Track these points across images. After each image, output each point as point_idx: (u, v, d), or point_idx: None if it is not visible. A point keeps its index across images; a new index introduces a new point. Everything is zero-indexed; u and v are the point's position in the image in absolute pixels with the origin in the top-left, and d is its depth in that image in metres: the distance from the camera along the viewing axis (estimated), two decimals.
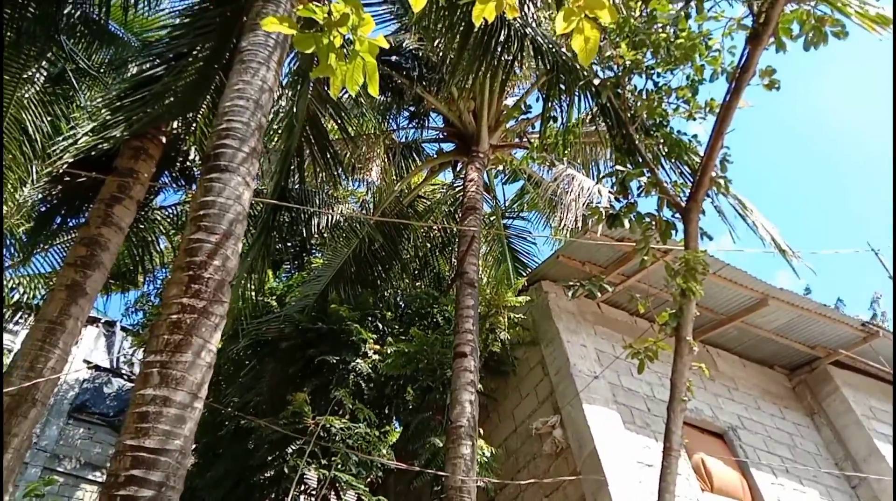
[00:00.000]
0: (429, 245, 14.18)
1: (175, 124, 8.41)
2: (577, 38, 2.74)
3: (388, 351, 9.84)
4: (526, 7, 7.98)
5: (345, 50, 3.02)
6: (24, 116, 7.71)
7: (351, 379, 9.50)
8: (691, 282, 5.58)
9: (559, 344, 9.04)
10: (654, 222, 6.15)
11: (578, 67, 7.30)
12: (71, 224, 8.64)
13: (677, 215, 6.15)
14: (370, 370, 9.69)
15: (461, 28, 7.62)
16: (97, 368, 14.38)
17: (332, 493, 9.02)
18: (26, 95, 7.77)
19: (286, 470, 8.18)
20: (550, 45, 7.62)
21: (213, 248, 3.82)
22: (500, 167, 13.96)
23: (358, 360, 9.73)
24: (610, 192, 10.19)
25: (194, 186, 9.33)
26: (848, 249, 9.40)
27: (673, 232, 6.17)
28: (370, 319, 11.34)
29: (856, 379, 10.91)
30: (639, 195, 6.12)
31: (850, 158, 32.01)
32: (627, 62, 6.55)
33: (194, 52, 7.94)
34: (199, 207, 3.98)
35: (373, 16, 10.74)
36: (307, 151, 9.40)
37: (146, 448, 3.15)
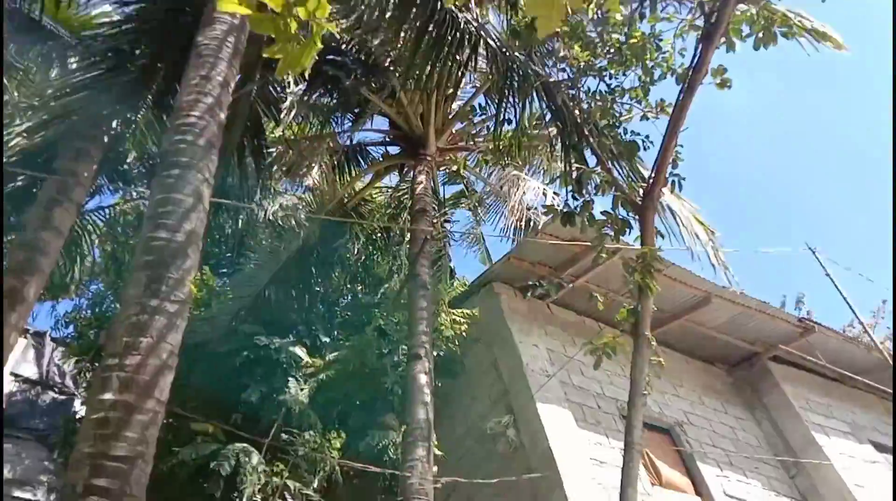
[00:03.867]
0: (370, 248, 14.07)
1: (115, 124, 8.10)
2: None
3: (326, 361, 9.64)
4: (478, 9, 7.98)
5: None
6: None
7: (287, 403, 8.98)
8: (648, 278, 5.67)
9: (512, 345, 9.08)
10: (609, 221, 6.23)
11: (531, 72, 7.34)
12: None
13: (630, 213, 6.26)
14: (304, 400, 9.25)
15: (415, 27, 7.57)
16: (27, 380, 13.70)
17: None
18: None
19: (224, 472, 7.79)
20: (503, 48, 7.64)
21: (173, 246, 3.67)
22: (443, 170, 13.99)
23: (290, 384, 9.24)
24: (555, 193, 10.32)
25: (135, 188, 9.04)
26: (786, 248, 9.75)
27: (627, 230, 6.28)
28: (305, 326, 11.11)
29: (793, 374, 11.30)
30: (595, 194, 6.20)
31: (788, 159, 33.27)
32: (581, 64, 6.64)
33: (136, 51, 7.69)
34: (159, 204, 3.82)
35: None
36: (248, 150, 9.18)
37: (106, 455, 2.98)
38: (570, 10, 6.75)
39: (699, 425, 10.08)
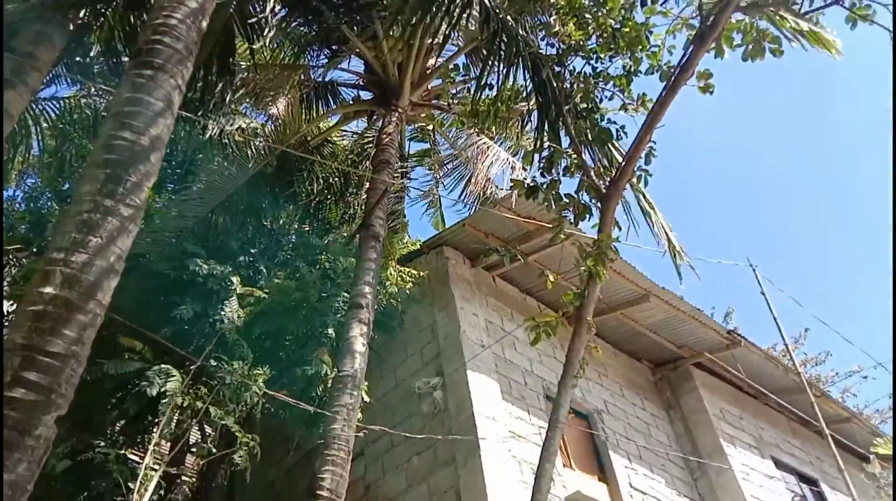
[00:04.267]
0: (326, 191, 13.86)
1: (82, 13, 7.70)
2: None
3: (266, 291, 9.52)
4: None
5: None
6: None
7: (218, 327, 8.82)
8: (600, 266, 5.74)
9: (452, 310, 9.14)
10: (571, 204, 6.27)
11: (521, 37, 7.27)
12: None
13: (593, 199, 6.30)
14: (238, 324, 9.08)
15: None
16: None
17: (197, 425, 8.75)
18: None
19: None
20: (496, 10, 7.53)
21: (136, 149, 3.53)
22: (413, 125, 13.82)
23: (225, 309, 9.08)
24: (523, 168, 10.33)
25: (95, 84, 8.65)
26: (730, 260, 10.02)
27: (587, 216, 6.33)
28: (247, 258, 10.94)
29: (712, 382, 11.72)
30: (564, 175, 6.22)
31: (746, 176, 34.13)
32: (572, 42, 6.60)
33: None
34: (126, 103, 3.66)
35: None
36: (215, 65, 8.88)
37: (40, 349, 2.88)
38: None
39: (616, 416, 10.38)
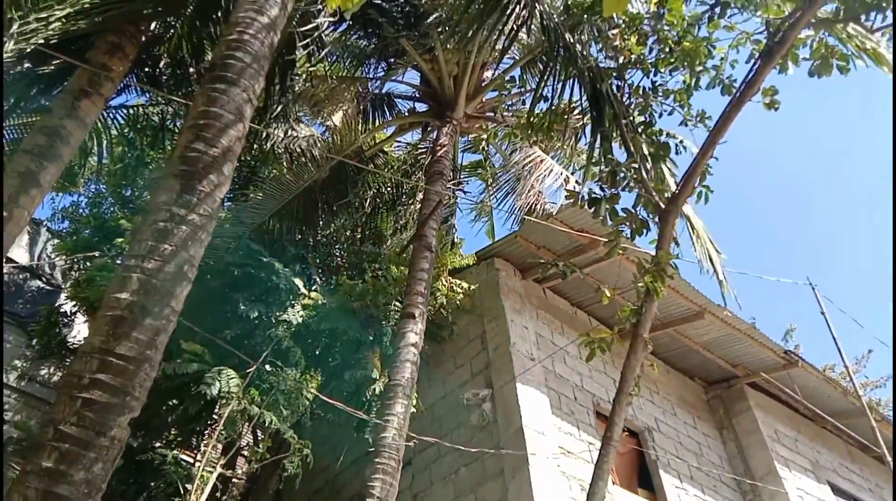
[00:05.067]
0: (378, 201, 14.01)
1: (153, 26, 7.99)
2: None
3: (320, 301, 9.65)
4: None
5: None
6: None
7: (280, 329, 9.02)
8: (658, 282, 5.68)
9: (503, 322, 9.12)
10: (629, 219, 6.22)
11: (579, 51, 7.26)
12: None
13: (651, 215, 6.23)
14: (300, 321, 9.26)
15: None
16: (17, 265, 13.65)
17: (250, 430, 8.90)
18: None
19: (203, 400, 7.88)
20: (555, 24, 7.54)
21: (210, 161, 3.64)
22: (466, 137, 13.89)
23: (289, 311, 9.28)
24: (577, 182, 10.29)
25: (162, 94, 8.93)
26: (788, 279, 9.79)
27: (644, 231, 6.27)
28: (301, 266, 11.10)
29: (767, 402, 11.43)
30: (622, 190, 6.17)
31: (795, 191, 33.35)
32: (632, 56, 6.57)
33: None
34: (201, 115, 3.78)
35: None
36: (277, 77, 9.08)
37: (117, 353, 2.99)
38: None
39: (667, 434, 10.21)
